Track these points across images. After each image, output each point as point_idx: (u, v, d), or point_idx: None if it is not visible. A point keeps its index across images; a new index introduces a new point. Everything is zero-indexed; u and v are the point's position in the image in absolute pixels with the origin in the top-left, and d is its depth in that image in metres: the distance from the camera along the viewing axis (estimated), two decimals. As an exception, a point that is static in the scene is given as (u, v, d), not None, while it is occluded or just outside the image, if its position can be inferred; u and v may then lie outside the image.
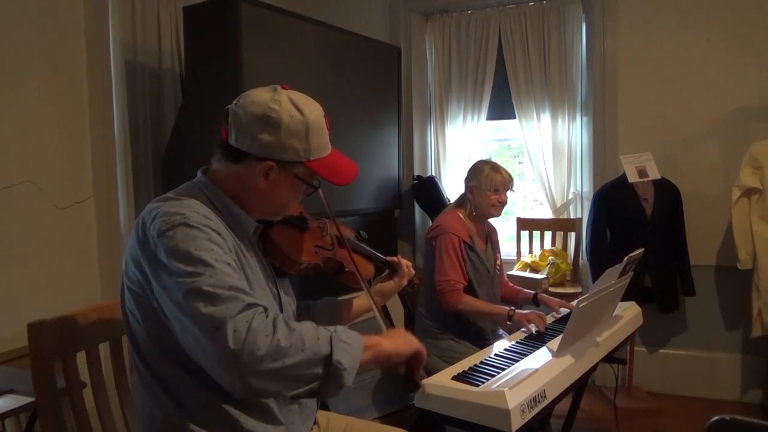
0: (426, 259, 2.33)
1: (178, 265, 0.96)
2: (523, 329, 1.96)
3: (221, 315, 0.91)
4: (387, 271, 1.53)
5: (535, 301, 2.29)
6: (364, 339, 1.06)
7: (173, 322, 0.99)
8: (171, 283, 0.97)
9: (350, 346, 1.01)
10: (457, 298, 2.12)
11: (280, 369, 0.92)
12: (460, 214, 2.28)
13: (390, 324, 1.28)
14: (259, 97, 1.11)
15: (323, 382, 0.97)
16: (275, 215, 1.24)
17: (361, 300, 1.50)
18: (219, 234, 1.04)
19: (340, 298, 1.50)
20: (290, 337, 0.94)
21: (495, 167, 2.25)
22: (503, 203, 2.25)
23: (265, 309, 0.97)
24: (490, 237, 2.38)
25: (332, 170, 1.17)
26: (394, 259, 1.51)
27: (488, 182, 2.21)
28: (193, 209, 1.05)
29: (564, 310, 2.15)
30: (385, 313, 2.80)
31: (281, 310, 1.22)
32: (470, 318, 2.22)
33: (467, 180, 2.30)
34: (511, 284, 2.48)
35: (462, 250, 2.18)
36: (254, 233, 1.20)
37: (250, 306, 0.94)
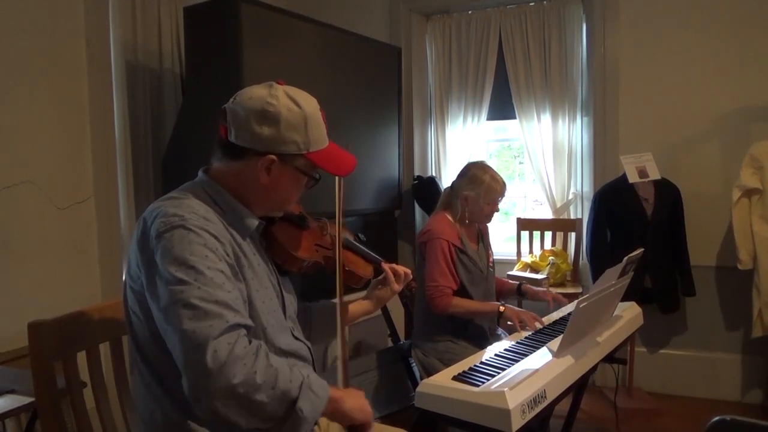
0: (418, 263, 2.32)
1: (170, 270, 0.96)
2: (524, 329, 1.97)
3: (204, 333, 0.91)
4: (383, 274, 1.53)
5: (520, 292, 2.31)
6: (331, 391, 1.05)
7: (158, 325, 1.00)
8: (161, 288, 0.97)
9: (317, 397, 1.00)
10: (447, 302, 2.12)
11: (248, 402, 0.92)
12: (449, 217, 2.26)
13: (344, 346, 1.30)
14: (256, 93, 1.12)
15: (279, 423, 0.96)
16: (277, 210, 1.25)
17: (357, 304, 1.50)
18: (216, 238, 1.04)
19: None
20: (266, 373, 0.94)
21: (494, 177, 2.21)
22: (496, 211, 2.27)
23: (248, 330, 0.98)
24: (482, 236, 2.37)
25: (332, 162, 1.18)
26: (387, 270, 1.48)
27: (488, 195, 2.19)
28: (193, 210, 1.05)
29: (554, 303, 2.20)
30: (384, 313, 2.81)
31: (284, 307, 1.23)
32: (464, 319, 2.21)
33: (463, 187, 2.23)
34: (496, 276, 2.47)
35: (452, 254, 2.17)
36: (257, 230, 1.20)
37: (234, 327, 0.95)
